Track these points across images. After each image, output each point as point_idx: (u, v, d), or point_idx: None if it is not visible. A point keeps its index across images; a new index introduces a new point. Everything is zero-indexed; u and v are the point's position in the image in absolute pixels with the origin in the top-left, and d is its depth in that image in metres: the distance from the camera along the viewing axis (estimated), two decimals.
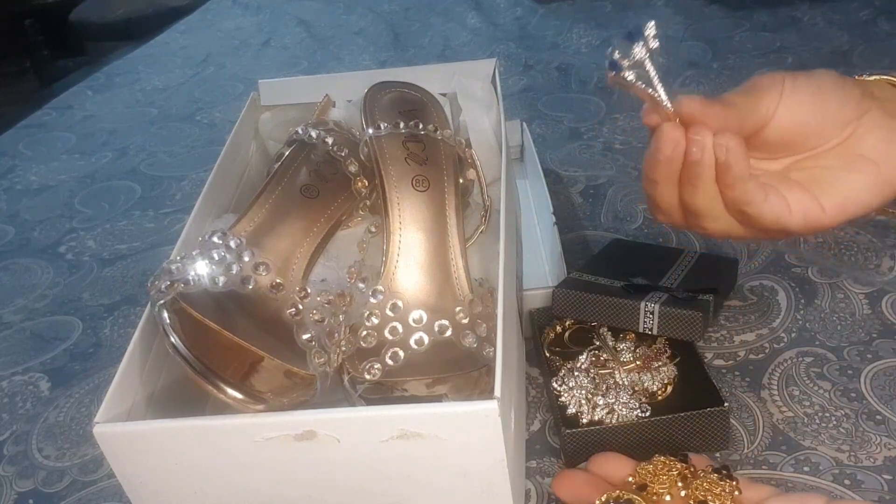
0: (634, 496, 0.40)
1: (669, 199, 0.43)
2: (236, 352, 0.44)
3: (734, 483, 0.40)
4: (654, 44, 0.39)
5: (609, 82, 0.41)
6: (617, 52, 0.40)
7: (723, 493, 0.39)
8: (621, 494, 0.40)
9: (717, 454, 0.49)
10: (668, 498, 0.40)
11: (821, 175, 0.43)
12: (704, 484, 0.40)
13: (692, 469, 0.42)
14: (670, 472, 0.41)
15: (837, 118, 0.42)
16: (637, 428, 0.49)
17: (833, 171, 0.43)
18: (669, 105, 0.40)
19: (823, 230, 0.43)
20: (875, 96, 0.43)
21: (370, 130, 0.55)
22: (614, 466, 0.43)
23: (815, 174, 0.43)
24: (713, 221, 0.43)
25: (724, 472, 0.41)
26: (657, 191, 0.43)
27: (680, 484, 0.40)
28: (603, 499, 0.40)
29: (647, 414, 0.50)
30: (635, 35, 0.39)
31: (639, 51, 0.39)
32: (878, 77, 0.46)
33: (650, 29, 0.39)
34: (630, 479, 0.42)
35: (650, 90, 0.40)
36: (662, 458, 0.42)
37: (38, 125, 1.12)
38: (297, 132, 0.58)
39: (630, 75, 0.40)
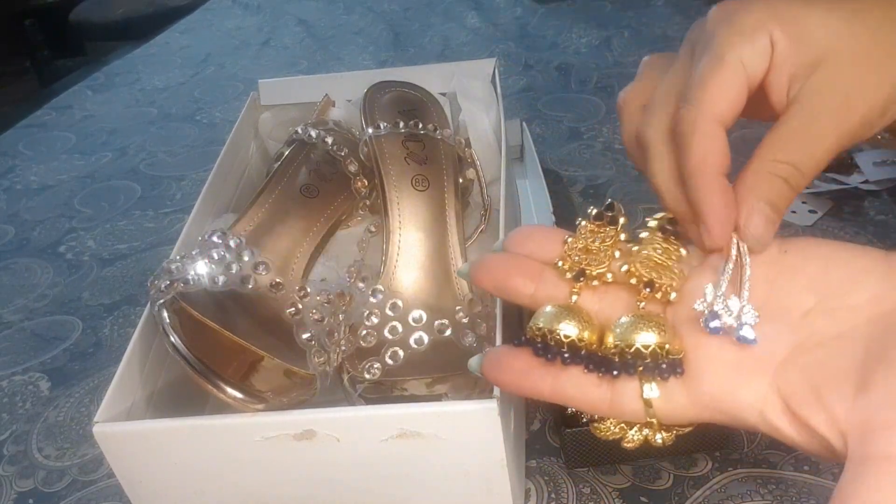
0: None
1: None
2: (236, 351, 0.44)
3: (679, 247, 0.35)
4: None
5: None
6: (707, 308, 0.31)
7: (673, 271, 0.33)
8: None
9: (718, 453, 0.49)
10: (609, 277, 0.34)
11: None
12: (651, 252, 0.34)
13: (629, 235, 0.35)
14: (604, 243, 0.35)
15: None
16: None
17: None
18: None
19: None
20: None
21: (370, 130, 0.55)
22: (538, 244, 0.36)
23: None
24: None
25: (670, 227, 0.35)
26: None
27: (617, 255, 0.34)
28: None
29: None
30: None
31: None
32: None
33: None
34: (560, 262, 0.35)
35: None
36: (588, 224, 0.36)
37: (38, 125, 1.12)
38: (296, 132, 0.58)
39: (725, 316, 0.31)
